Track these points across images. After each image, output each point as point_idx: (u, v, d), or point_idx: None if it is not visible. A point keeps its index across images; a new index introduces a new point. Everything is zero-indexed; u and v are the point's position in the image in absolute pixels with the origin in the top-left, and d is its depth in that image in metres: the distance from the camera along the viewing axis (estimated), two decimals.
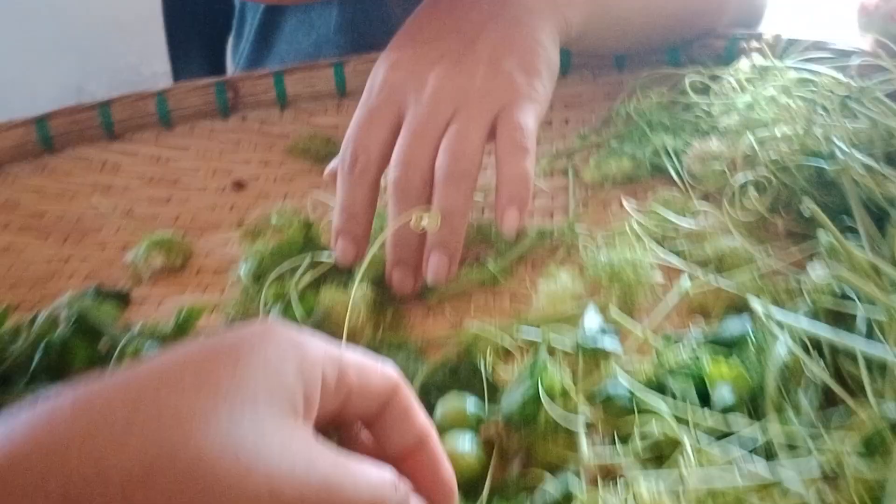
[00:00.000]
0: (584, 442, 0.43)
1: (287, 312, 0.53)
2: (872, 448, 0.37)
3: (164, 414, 0.27)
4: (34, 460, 0.26)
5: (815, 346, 0.44)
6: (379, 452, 0.36)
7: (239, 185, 0.70)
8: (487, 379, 0.48)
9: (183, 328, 0.51)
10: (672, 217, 0.56)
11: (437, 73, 0.56)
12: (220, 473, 0.27)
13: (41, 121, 0.72)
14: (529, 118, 0.55)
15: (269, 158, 0.73)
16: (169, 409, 0.28)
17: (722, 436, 0.41)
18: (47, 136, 0.73)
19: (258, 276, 0.57)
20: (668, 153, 0.63)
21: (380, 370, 0.35)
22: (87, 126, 0.74)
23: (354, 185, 0.55)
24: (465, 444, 0.43)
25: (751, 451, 0.40)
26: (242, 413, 0.28)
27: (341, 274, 0.56)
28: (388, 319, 0.55)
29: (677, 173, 0.62)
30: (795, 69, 0.60)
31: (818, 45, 0.64)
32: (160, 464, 0.26)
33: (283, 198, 0.68)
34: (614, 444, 0.44)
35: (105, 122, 0.74)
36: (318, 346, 0.33)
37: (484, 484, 0.42)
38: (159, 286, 0.60)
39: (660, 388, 0.45)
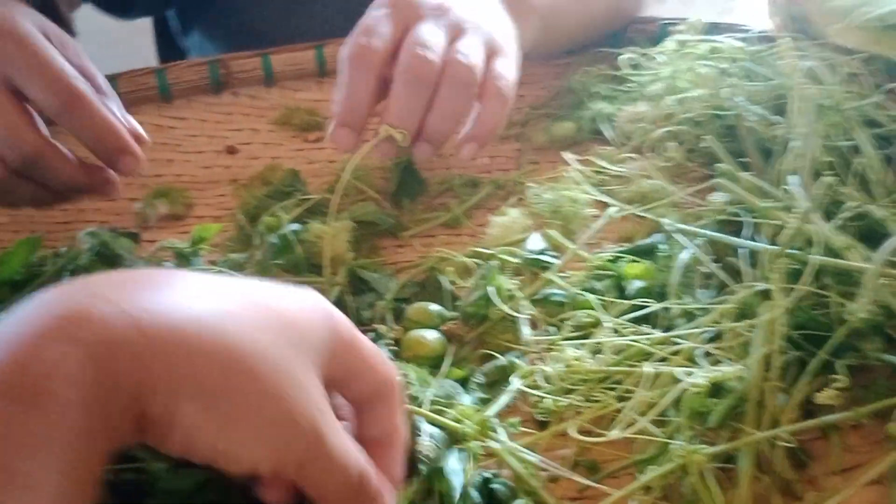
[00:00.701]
0: (525, 328, 0.53)
1: (282, 243, 0.62)
2: (745, 312, 0.47)
3: (241, 327, 0.34)
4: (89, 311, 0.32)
5: (714, 256, 0.54)
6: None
7: (232, 150, 0.79)
8: (450, 290, 0.58)
9: (197, 244, 0.60)
10: (605, 164, 0.66)
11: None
12: (249, 365, 0.33)
13: None
14: (514, 74, 0.63)
15: (259, 127, 0.82)
16: (247, 332, 0.34)
17: (634, 319, 0.51)
18: None
19: (253, 217, 0.66)
20: (604, 118, 0.74)
21: (386, 370, 0.40)
22: None
23: (357, 75, 0.59)
24: (430, 334, 0.53)
25: (654, 326, 0.50)
26: (288, 356, 0.35)
27: (324, 214, 0.65)
28: (365, 250, 0.64)
29: (612, 134, 0.72)
30: (707, 42, 0.71)
31: (732, 27, 0.75)
32: (212, 354, 0.33)
33: (272, 160, 0.78)
34: (551, 334, 0.54)
35: None
36: (346, 328, 0.39)
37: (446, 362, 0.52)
38: (165, 231, 0.70)
39: (589, 290, 0.55)
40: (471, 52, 0.60)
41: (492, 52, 0.62)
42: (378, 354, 0.40)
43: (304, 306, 0.38)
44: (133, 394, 0.32)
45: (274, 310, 0.36)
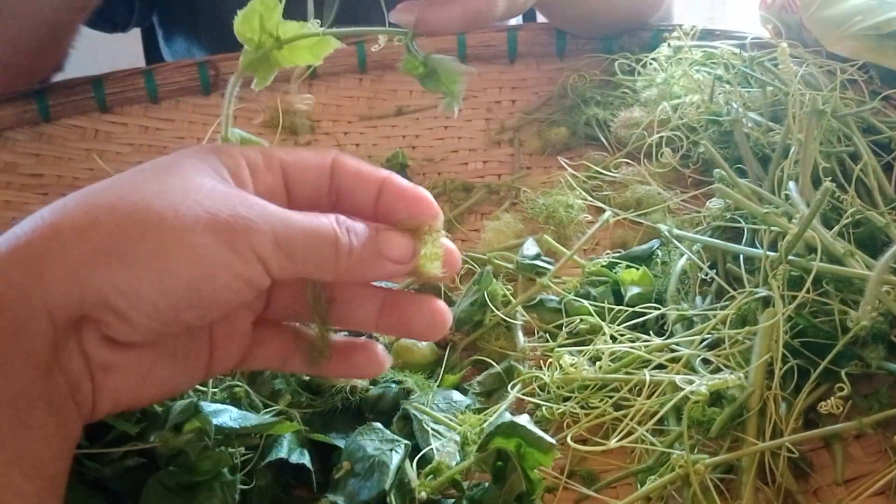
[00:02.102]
0: (520, 334, 0.52)
1: None
2: (744, 319, 0.46)
3: (93, 193, 0.34)
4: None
5: (711, 262, 0.54)
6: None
7: None
8: (444, 294, 0.57)
9: None
10: (600, 169, 0.66)
11: None
12: (157, 210, 0.33)
13: (40, 93, 0.80)
14: None
15: (248, 130, 0.81)
16: (100, 188, 0.35)
17: (632, 326, 0.51)
18: (45, 108, 0.80)
19: None
20: (598, 123, 0.73)
21: (313, 151, 0.40)
22: (81, 98, 0.82)
23: None
24: (421, 341, 0.52)
25: (653, 333, 0.49)
26: (174, 180, 0.35)
27: None
28: None
29: (606, 139, 0.72)
30: (702, 48, 0.70)
31: (725, 34, 0.75)
32: (103, 213, 0.33)
33: None
34: (547, 341, 0.53)
35: (98, 96, 0.82)
36: (237, 145, 0.39)
37: (439, 369, 0.51)
38: None
39: (584, 296, 0.54)
40: None
41: None
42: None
43: (191, 151, 0.37)
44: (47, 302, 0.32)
45: (159, 164, 0.36)
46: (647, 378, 0.44)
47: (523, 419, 0.43)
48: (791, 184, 0.51)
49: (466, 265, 0.59)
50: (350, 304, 0.41)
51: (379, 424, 0.45)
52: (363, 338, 0.43)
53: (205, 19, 0.99)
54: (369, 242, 0.37)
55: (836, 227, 0.48)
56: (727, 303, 0.49)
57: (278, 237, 0.35)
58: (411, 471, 0.42)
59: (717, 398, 0.43)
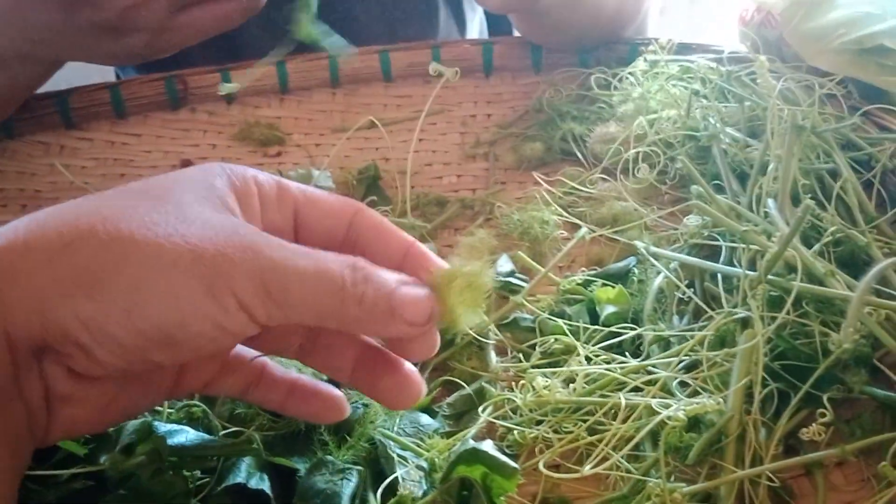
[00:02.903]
0: (492, 354, 0.50)
1: None
2: (723, 341, 0.45)
3: (84, 208, 0.32)
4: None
5: (688, 281, 0.52)
6: None
7: (187, 164, 0.76)
8: None
9: None
10: (575, 185, 0.64)
11: None
12: (139, 242, 0.31)
13: None
14: None
15: (218, 143, 0.79)
16: (92, 204, 0.32)
17: (607, 346, 0.49)
18: (8, 123, 0.78)
19: None
20: (574, 138, 0.72)
21: (331, 194, 0.38)
22: (45, 113, 0.79)
23: None
24: None
25: (629, 354, 0.48)
26: (166, 208, 0.32)
27: None
28: None
29: (582, 154, 0.70)
30: (679, 62, 0.69)
31: (702, 48, 0.74)
32: (80, 238, 0.31)
33: None
34: (521, 361, 0.51)
35: (62, 111, 0.80)
36: (251, 169, 0.36)
37: None
38: None
39: (559, 315, 0.53)
40: None
41: None
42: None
43: (195, 173, 0.35)
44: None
45: (154, 189, 0.34)
46: (623, 402, 0.42)
47: (486, 445, 0.42)
48: (770, 201, 0.49)
49: None
50: (328, 350, 0.39)
51: (329, 457, 0.43)
52: (325, 382, 0.41)
53: None
54: (384, 298, 0.33)
55: (817, 246, 0.47)
56: (705, 323, 0.47)
57: (269, 282, 0.31)
58: (374, 501, 0.40)
59: (694, 423, 0.42)
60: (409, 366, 0.38)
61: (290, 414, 0.42)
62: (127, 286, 0.31)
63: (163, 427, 0.42)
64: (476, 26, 1.06)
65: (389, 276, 0.34)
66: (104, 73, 1.09)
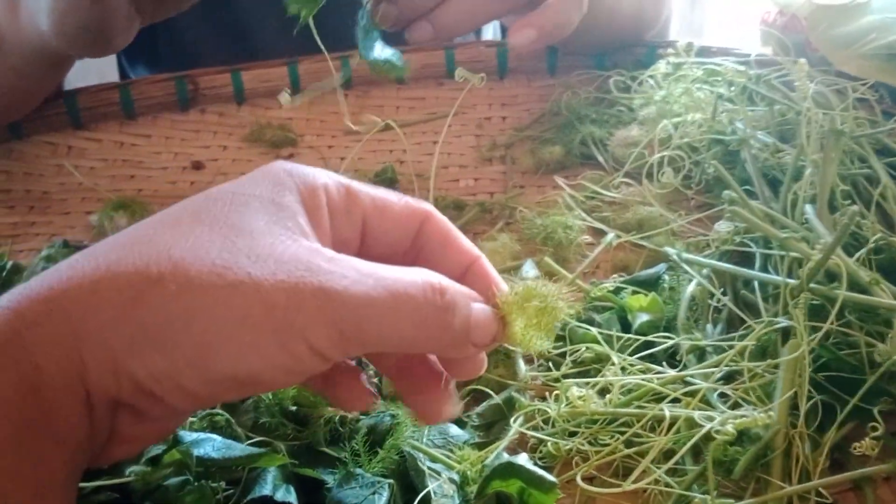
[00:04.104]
0: (521, 363, 0.49)
1: None
2: (764, 351, 0.43)
3: (155, 247, 0.30)
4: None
5: (720, 287, 0.51)
6: None
7: (198, 166, 0.75)
8: None
9: None
10: (599, 189, 0.63)
11: None
12: (209, 293, 0.29)
13: None
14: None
15: (228, 144, 0.78)
16: (163, 241, 0.30)
17: (642, 354, 0.48)
18: (16, 123, 0.76)
19: None
20: (594, 142, 0.70)
21: (401, 198, 0.35)
22: (53, 114, 0.78)
23: None
24: None
25: (664, 364, 0.46)
26: (237, 243, 0.30)
27: None
28: None
29: (603, 158, 0.69)
30: (703, 65, 0.68)
31: (724, 51, 0.73)
32: (150, 289, 0.29)
33: (241, 175, 0.73)
34: (549, 370, 0.50)
35: (71, 111, 0.78)
36: (319, 173, 0.34)
37: None
38: None
39: (587, 322, 0.51)
40: None
41: None
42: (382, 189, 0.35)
43: (257, 187, 0.32)
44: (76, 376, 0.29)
45: (216, 215, 0.31)
46: (667, 413, 0.40)
47: (522, 458, 0.40)
48: (808, 207, 0.48)
49: None
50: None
51: (359, 469, 0.41)
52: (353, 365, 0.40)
53: (166, 47, 0.96)
54: (465, 322, 0.32)
55: (859, 254, 0.45)
56: (742, 332, 0.46)
57: (344, 325, 0.30)
58: None
59: (738, 436, 0.40)
60: (449, 384, 0.37)
61: (326, 396, 0.41)
62: (198, 341, 0.30)
63: (188, 436, 0.41)
64: (490, 28, 1.05)
65: (466, 298, 0.33)
66: (102, 75, 1.07)
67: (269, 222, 0.31)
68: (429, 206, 0.36)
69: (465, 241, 0.36)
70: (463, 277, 0.35)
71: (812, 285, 0.43)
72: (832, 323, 0.42)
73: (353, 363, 0.39)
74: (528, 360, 0.51)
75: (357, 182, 0.35)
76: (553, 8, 0.54)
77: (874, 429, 0.39)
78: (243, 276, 0.29)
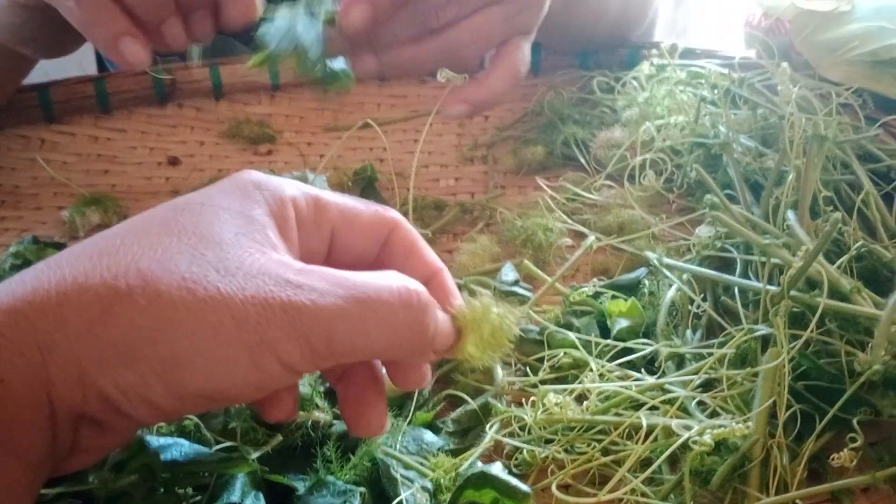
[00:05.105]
0: (498, 368, 0.48)
1: None
2: (744, 359, 0.43)
3: (123, 258, 0.29)
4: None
5: (700, 293, 0.50)
6: None
7: (174, 161, 0.73)
8: None
9: None
10: (580, 191, 0.62)
11: None
12: (179, 306, 0.29)
13: None
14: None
15: (205, 140, 0.76)
16: (131, 253, 0.29)
17: (621, 361, 0.47)
18: None
19: None
20: (577, 143, 0.70)
21: (369, 207, 0.36)
22: (26, 107, 0.76)
23: None
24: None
25: (642, 370, 0.46)
26: (206, 255, 0.30)
27: None
28: None
29: (585, 159, 0.68)
30: (687, 67, 0.67)
31: (708, 53, 0.72)
32: (118, 303, 0.28)
33: (218, 172, 0.72)
34: (526, 374, 0.49)
35: (44, 104, 0.77)
36: (288, 185, 0.34)
37: (409, 404, 0.47)
38: None
39: (566, 326, 0.51)
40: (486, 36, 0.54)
41: (522, 30, 0.56)
42: (351, 197, 0.35)
43: (226, 198, 0.32)
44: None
45: (184, 225, 0.31)
46: (644, 422, 0.40)
47: (496, 467, 0.40)
48: (790, 213, 0.48)
49: None
50: None
51: (331, 477, 0.40)
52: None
53: None
54: (436, 324, 0.32)
55: (841, 261, 0.45)
56: (721, 339, 0.45)
57: (315, 340, 0.30)
58: None
59: (716, 445, 0.40)
60: (384, 396, 0.36)
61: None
62: (167, 356, 0.29)
63: (155, 441, 0.40)
64: None
65: (436, 302, 0.33)
66: (82, 67, 1.05)
67: (239, 234, 0.31)
68: (397, 216, 0.36)
69: (429, 253, 0.36)
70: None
71: (793, 293, 0.43)
72: (812, 331, 0.42)
73: None
74: (506, 365, 0.51)
75: (326, 192, 0.35)
76: (487, 87, 0.55)
77: (853, 440, 0.39)
78: (213, 290, 0.29)
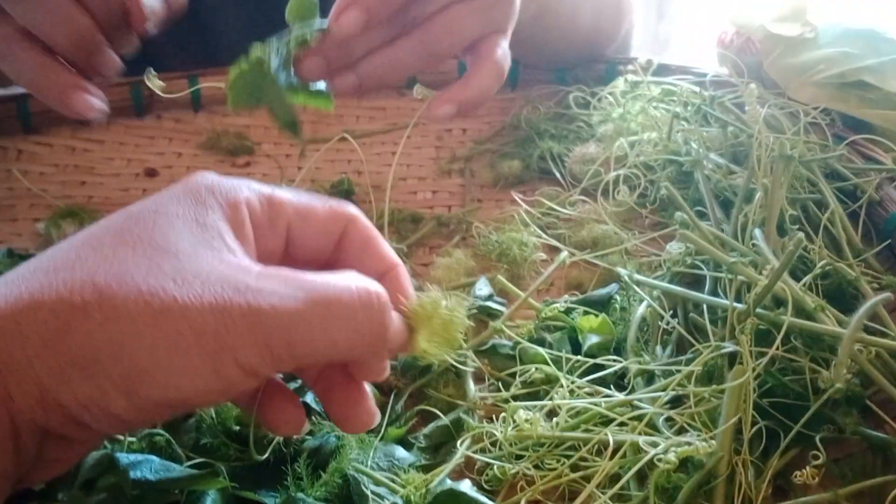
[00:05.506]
0: (470, 382, 0.49)
1: None
2: (711, 376, 0.43)
3: (78, 273, 0.29)
4: None
5: (671, 309, 0.51)
6: None
7: (152, 173, 0.74)
8: None
9: None
10: (555, 206, 0.63)
11: None
12: (137, 319, 0.29)
13: None
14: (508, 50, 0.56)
15: (183, 151, 0.76)
16: (86, 267, 0.30)
17: (591, 377, 0.48)
18: None
19: None
20: (552, 157, 0.70)
21: (324, 203, 0.36)
22: (3, 118, 0.76)
23: None
24: None
25: (612, 386, 0.46)
26: (163, 267, 0.30)
27: None
28: None
29: (561, 174, 0.69)
30: (660, 84, 0.68)
31: (682, 69, 0.73)
32: (74, 318, 0.29)
33: None
34: (499, 389, 0.49)
35: (22, 115, 0.76)
36: (241, 186, 0.34)
37: (382, 418, 0.47)
38: None
39: (539, 342, 0.51)
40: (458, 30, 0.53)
41: (496, 28, 0.55)
42: (306, 194, 0.36)
43: (180, 205, 0.32)
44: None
45: (139, 236, 0.31)
46: (611, 439, 0.40)
47: (465, 485, 0.40)
48: (757, 231, 0.48)
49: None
50: None
51: (301, 494, 0.40)
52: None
53: None
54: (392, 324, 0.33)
55: (806, 279, 0.46)
56: (690, 355, 0.46)
57: (275, 344, 0.30)
58: None
59: (682, 462, 0.40)
60: (365, 392, 0.37)
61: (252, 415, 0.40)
62: (127, 369, 0.29)
63: (125, 458, 0.40)
64: None
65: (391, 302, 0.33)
66: None
67: (194, 243, 0.31)
68: (353, 210, 0.36)
69: (386, 248, 0.37)
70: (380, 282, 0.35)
71: (759, 310, 0.43)
72: (777, 348, 0.42)
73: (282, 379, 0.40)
74: (479, 379, 0.51)
75: (280, 190, 0.35)
76: (472, 87, 0.54)
77: (816, 457, 0.39)
78: (170, 301, 0.29)
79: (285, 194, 0.35)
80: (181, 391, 0.30)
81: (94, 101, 0.51)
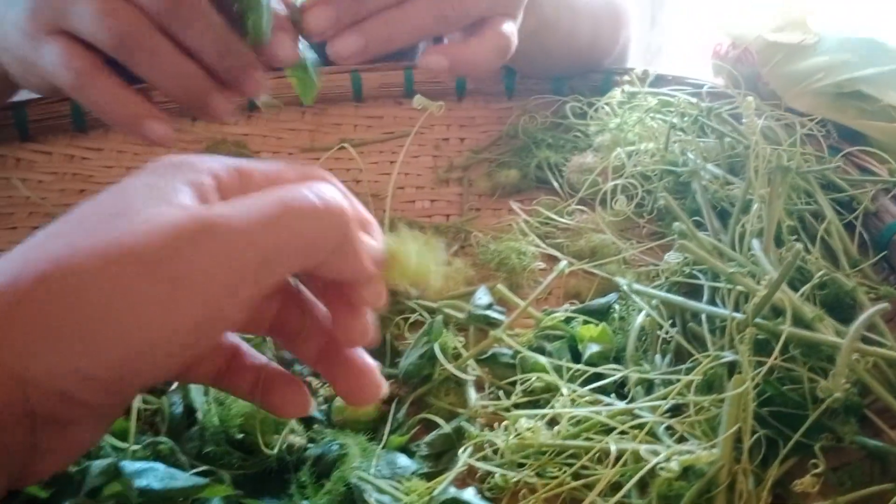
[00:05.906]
0: (472, 391, 0.49)
1: None
2: (711, 385, 0.44)
3: (34, 251, 0.30)
4: None
5: (669, 318, 0.52)
6: None
7: None
8: (391, 344, 0.54)
9: None
10: (553, 215, 0.63)
11: None
12: (87, 275, 0.29)
13: None
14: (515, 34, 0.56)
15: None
16: (44, 246, 0.30)
17: (592, 387, 0.48)
18: None
19: None
20: (550, 166, 0.71)
21: (295, 168, 0.36)
22: (1, 126, 0.76)
23: None
24: None
25: (612, 395, 0.47)
26: (114, 222, 0.30)
27: None
28: None
29: (558, 183, 0.70)
30: (657, 94, 0.69)
31: (678, 80, 0.74)
32: (30, 285, 0.29)
33: None
34: (499, 398, 0.50)
35: (19, 123, 0.76)
36: (207, 159, 0.34)
37: (383, 427, 0.48)
38: None
39: (539, 350, 0.52)
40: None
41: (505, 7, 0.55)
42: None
43: (147, 177, 0.33)
44: None
45: (105, 206, 0.32)
46: (613, 448, 0.41)
47: (468, 493, 0.40)
48: (755, 241, 0.49)
49: (416, 314, 0.56)
50: (297, 335, 0.39)
51: (305, 502, 0.41)
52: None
53: None
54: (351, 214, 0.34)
55: (804, 289, 0.46)
56: (689, 365, 0.46)
57: (238, 260, 0.30)
58: None
59: (683, 470, 0.41)
60: (368, 362, 0.38)
61: (257, 403, 0.40)
62: (86, 326, 0.29)
63: (130, 466, 0.40)
64: None
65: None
66: None
67: (147, 201, 0.31)
68: (322, 172, 0.36)
69: (358, 205, 0.37)
70: None
71: (757, 320, 0.44)
72: (776, 358, 0.43)
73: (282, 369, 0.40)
74: (479, 388, 0.51)
75: (248, 161, 0.35)
76: (471, 48, 0.53)
77: (815, 465, 0.40)
78: (117, 246, 0.29)
79: (254, 164, 0.35)
80: (144, 336, 0.29)
81: (163, 129, 0.51)
